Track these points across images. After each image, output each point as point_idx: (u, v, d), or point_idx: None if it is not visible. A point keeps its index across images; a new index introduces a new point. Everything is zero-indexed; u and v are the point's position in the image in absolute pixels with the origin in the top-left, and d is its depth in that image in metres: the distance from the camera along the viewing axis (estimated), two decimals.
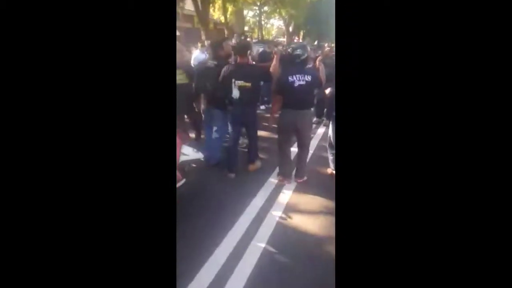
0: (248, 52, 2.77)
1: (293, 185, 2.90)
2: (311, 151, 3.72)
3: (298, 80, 2.59)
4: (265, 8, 18.91)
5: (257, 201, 2.58)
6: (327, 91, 2.96)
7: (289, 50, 2.70)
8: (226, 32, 15.28)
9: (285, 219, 2.35)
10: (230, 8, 17.65)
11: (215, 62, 2.85)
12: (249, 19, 23.95)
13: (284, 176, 2.94)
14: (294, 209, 2.50)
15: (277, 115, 2.86)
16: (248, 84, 2.74)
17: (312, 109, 2.85)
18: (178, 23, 16.18)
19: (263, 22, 21.93)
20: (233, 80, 2.73)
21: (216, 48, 2.89)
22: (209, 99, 3.01)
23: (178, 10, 12.86)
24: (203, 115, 3.40)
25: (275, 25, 28.27)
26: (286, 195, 2.71)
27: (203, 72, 2.92)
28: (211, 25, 18.47)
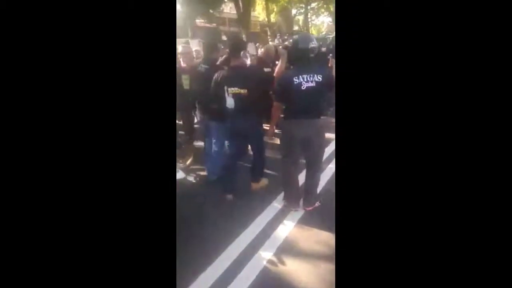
0: (241, 52, 2.29)
1: (300, 213, 2.35)
2: (333, 167, 3.10)
3: (306, 81, 2.03)
4: (313, 5, 18.06)
5: (248, 234, 2.09)
6: None
7: (291, 43, 2.12)
8: (269, 32, 14.91)
9: (275, 264, 1.82)
10: (275, 8, 17.32)
11: (206, 66, 2.44)
12: (298, 18, 23.27)
13: (290, 202, 2.40)
14: (290, 249, 1.95)
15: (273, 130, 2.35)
16: (244, 91, 2.27)
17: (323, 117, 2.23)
18: (224, 28, 16.44)
19: (310, 20, 21.07)
20: (225, 87, 2.29)
21: (209, 49, 2.48)
22: (202, 109, 2.61)
23: (216, 14, 12.92)
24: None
25: (325, 22, 27.02)
26: (287, 228, 2.17)
27: (194, 78, 2.54)
28: (258, 27, 18.36)
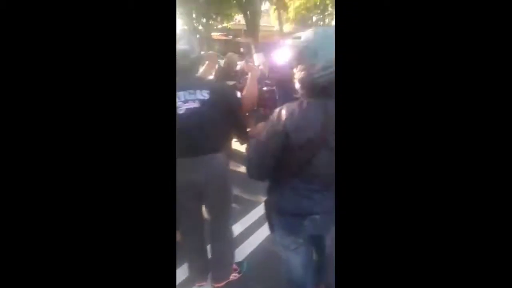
0: None
1: None
2: None
3: (185, 101, 1.39)
4: (330, 9, 17.19)
5: None
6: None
7: None
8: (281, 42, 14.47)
9: None
10: (291, 16, 16.82)
11: None
12: (320, 24, 22.51)
13: (195, 274, 1.77)
14: None
15: None
16: None
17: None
18: (241, 40, 16.31)
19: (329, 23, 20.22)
20: None
21: None
22: None
23: (229, 26, 12.78)
24: None
25: None
26: None
27: None
28: (274, 37, 17.97)
